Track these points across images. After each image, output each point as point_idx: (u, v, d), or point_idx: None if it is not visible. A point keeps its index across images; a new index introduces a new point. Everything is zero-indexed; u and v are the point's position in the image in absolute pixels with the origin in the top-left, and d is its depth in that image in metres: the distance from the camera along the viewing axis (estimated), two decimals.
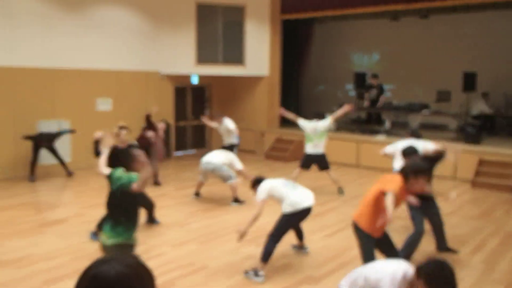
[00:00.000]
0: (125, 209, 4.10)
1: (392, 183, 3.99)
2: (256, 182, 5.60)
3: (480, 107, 12.44)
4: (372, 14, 12.11)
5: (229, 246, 6.11)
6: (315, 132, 8.71)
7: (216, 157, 8.10)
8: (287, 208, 5.26)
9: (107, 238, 4.05)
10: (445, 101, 11.53)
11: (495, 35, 13.04)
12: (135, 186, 3.90)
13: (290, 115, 9.13)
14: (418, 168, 3.96)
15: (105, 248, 4.07)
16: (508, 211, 8.01)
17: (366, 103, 13.06)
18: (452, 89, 11.84)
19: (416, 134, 6.75)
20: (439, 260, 2.84)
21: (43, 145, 9.64)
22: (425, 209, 5.58)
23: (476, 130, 10.56)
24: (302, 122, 8.91)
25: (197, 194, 8.49)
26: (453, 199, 5.90)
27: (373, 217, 4.15)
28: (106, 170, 4.28)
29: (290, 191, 5.37)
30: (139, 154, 4.16)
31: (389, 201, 3.83)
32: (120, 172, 4.13)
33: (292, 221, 5.36)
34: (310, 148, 8.77)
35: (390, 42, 15.08)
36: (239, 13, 12.80)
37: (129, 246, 4.07)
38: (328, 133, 8.91)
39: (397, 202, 3.99)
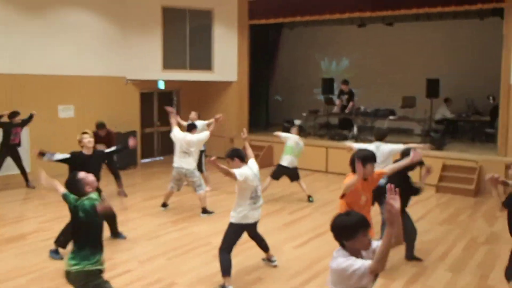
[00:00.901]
0: (88, 231, 3.90)
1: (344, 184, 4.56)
2: (236, 156, 5.22)
3: (442, 112, 12.74)
4: (340, 21, 12.23)
5: (199, 260, 6.03)
6: (297, 147, 8.79)
7: (187, 162, 7.91)
8: (235, 217, 5.25)
9: (71, 265, 3.78)
10: (410, 107, 11.76)
11: (456, 43, 13.40)
12: (99, 208, 3.76)
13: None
14: (365, 157, 4.54)
15: (69, 276, 3.80)
16: (471, 215, 8.23)
17: (336, 109, 13.17)
18: (417, 95, 12.09)
19: (379, 137, 7.11)
20: None
21: (8, 155, 9.30)
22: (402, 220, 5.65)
23: (440, 135, 10.81)
24: (284, 134, 9.02)
25: (164, 205, 8.31)
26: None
27: None
28: (61, 189, 4.15)
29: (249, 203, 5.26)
30: (91, 180, 4.00)
31: (348, 181, 4.49)
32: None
33: (239, 232, 5.33)
34: (286, 161, 8.77)
35: (357, 48, 15.29)
36: (207, 17, 12.70)
37: (96, 273, 3.82)
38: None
39: (359, 193, 4.51)
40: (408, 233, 5.86)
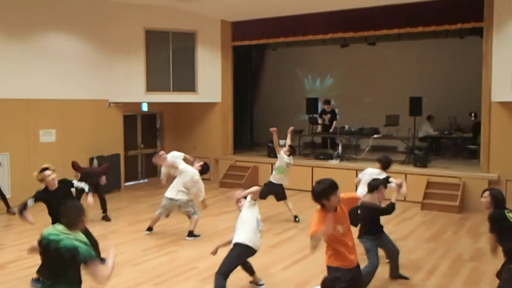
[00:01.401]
0: (66, 270, 3.55)
1: (312, 225, 4.10)
2: None
3: (425, 129, 12.92)
4: (323, 41, 12.40)
5: (186, 285, 5.95)
6: (288, 167, 8.92)
7: (180, 194, 7.81)
8: (248, 239, 5.26)
9: None
10: (393, 125, 11.89)
11: (437, 61, 13.68)
12: (92, 268, 3.49)
13: (276, 141, 9.07)
14: (324, 192, 4.06)
15: None
16: (456, 232, 8.28)
17: (319, 129, 13.27)
18: (400, 113, 12.24)
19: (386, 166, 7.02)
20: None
21: None
22: (379, 240, 5.71)
23: (424, 153, 10.92)
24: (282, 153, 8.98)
25: (149, 229, 8.19)
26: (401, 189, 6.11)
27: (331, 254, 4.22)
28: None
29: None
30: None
31: (312, 239, 4.01)
32: (62, 229, 3.64)
33: (245, 256, 5.34)
34: (275, 178, 8.87)
35: (341, 67, 15.50)
36: (190, 39, 12.77)
37: None
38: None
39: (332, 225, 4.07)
40: (390, 252, 5.91)
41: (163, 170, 8.92)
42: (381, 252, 5.85)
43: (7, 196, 9.59)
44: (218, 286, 5.06)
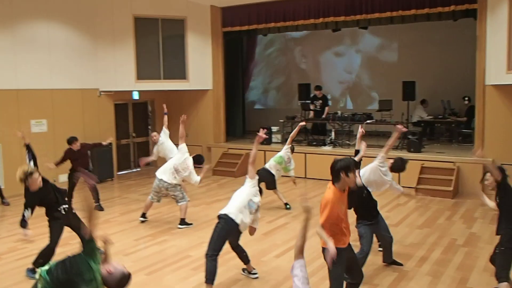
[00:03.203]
0: None
1: (323, 209, 4.15)
2: None
3: (419, 114, 12.85)
4: (314, 25, 12.24)
5: (179, 274, 5.89)
6: (288, 162, 8.98)
7: (169, 176, 7.76)
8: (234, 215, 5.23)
9: None
10: (387, 110, 11.80)
11: (430, 45, 13.58)
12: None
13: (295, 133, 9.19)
14: (347, 166, 4.14)
15: None
16: (449, 217, 8.25)
17: (311, 115, 13.18)
18: (393, 98, 12.16)
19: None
20: None
21: None
22: (374, 226, 5.65)
23: (417, 137, 10.85)
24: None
25: (143, 216, 8.15)
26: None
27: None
28: None
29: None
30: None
31: (322, 234, 4.05)
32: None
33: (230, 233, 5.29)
34: (270, 166, 8.82)
35: (333, 52, 15.37)
36: (180, 26, 12.57)
37: None
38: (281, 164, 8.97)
39: (340, 206, 4.19)
40: (383, 239, 5.85)
41: (155, 149, 9.68)
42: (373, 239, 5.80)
43: (1, 187, 9.53)
44: (209, 267, 5.03)
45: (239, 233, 5.39)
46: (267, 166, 8.89)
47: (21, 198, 9.46)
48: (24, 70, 10.28)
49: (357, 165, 5.60)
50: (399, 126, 6.17)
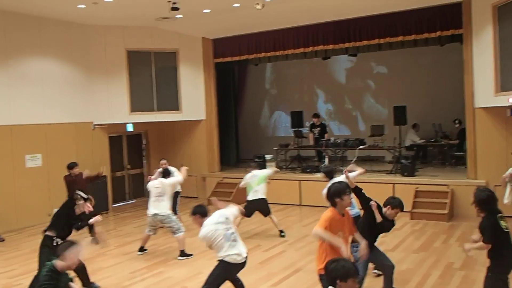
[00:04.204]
0: None
1: (320, 221, 4.35)
2: (198, 213, 5.31)
3: (411, 138, 12.97)
4: (304, 54, 12.45)
5: None
6: (253, 179, 8.77)
7: (161, 207, 7.79)
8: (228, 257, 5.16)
9: None
10: (378, 135, 11.91)
11: (419, 69, 13.81)
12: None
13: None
14: (339, 190, 4.41)
15: None
16: (445, 240, 8.25)
17: (311, 142, 13.24)
18: (385, 123, 12.29)
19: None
20: None
21: None
22: (374, 256, 5.60)
23: (411, 161, 10.92)
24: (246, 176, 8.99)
25: (142, 249, 8.10)
26: None
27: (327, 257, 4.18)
28: None
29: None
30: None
31: (322, 234, 4.24)
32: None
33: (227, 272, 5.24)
34: (251, 196, 8.77)
35: (323, 80, 15.58)
36: (172, 58, 12.75)
37: None
38: (266, 179, 8.93)
39: (338, 229, 4.34)
40: (384, 266, 5.78)
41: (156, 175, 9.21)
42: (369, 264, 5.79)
43: None
44: None
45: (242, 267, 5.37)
46: (253, 198, 8.74)
47: (14, 234, 9.40)
48: (18, 105, 10.33)
49: (357, 189, 5.61)
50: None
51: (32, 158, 10.67)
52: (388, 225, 5.50)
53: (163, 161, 9.56)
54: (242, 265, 5.23)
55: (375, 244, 5.73)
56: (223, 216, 5.28)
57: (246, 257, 5.24)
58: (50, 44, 10.96)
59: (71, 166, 9.08)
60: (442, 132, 13.04)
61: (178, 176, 8.47)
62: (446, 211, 9.63)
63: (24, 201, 10.00)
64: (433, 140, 12.89)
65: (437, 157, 13.06)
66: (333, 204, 4.40)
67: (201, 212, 5.27)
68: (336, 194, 4.38)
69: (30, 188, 10.49)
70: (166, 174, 8.32)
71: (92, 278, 6.56)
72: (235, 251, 5.13)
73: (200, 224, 5.21)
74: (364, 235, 5.48)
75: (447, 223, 9.42)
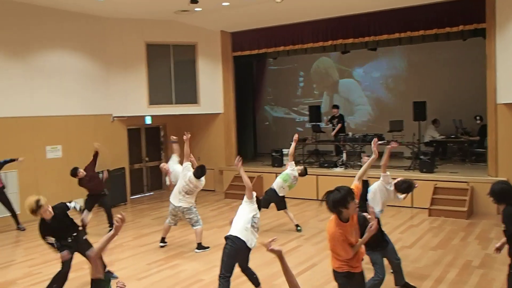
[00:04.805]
0: None
1: (332, 245, 4.08)
2: None
3: (431, 134, 12.79)
4: (323, 48, 12.36)
5: None
6: (294, 180, 8.84)
7: (187, 201, 7.79)
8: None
9: None
10: (397, 131, 11.78)
11: (440, 64, 13.59)
12: None
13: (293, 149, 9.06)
14: (342, 200, 3.93)
15: None
16: (464, 238, 8.13)
17: (333, 132, 13.15)
18: (404, 118, 12.14)
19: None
20: None
21: None
22: (384, 251, 5.59)
23: (430, 158, 10.78)
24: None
25: (163, 240, 8.13)
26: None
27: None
28: None
29: None
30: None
31: (350, 255, 4.04)
32: None
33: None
34: (277, 187, 8.77)
35: (342, 74, 15.46)
36: (191, 51, 12.79)
37: None
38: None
39: (352, 235, 4.07)
40: (391, 262, 5.74)
41: (166, 181, 9.60)
42: (386, 262, 5.74)
43: (17, 213, 9.64)
44: None
45: (247, 251, 5.41)
46: (274, 186, 8.83)
47: (35, 224, 9.59)
48: (39, 97, 10.50)
49: (366, 183, 5.56)
50: (392, 144, 6.15)
51: (52, 149, 10.84)
52: None
53: (162, 164, 9.76)
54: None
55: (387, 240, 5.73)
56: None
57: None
58: (70, 37, 11.09)
59: (74, 173, 8.76)
60: (463, 128, 12.82)
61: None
62: (465, 209, 9.49)
63: (44, 191, 10.13)
64: (453, 136, 12.69)
65: (457, 154, 12.86)
66: (338, 214, 4.00)
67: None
68: (340, 203, 3.93)
69: (51, 179, 10.66)
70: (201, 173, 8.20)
71: (110, 269, 6.66)
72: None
73: None
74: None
75: (466, 220, 9.29)
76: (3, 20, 9.90)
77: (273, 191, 8.78)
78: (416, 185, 6.07)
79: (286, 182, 8.75)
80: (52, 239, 5.67)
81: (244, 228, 5.34)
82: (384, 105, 14.73)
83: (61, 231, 5.77)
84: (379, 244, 5.56)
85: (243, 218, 5.42)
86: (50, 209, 5.73)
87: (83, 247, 5.95)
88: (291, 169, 8.80)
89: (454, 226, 8.89)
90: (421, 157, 10.89)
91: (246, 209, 5.51)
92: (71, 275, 5.87)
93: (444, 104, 13.30)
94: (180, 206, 7.76)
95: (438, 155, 12.51)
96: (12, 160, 9.43)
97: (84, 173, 8.83)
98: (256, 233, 5.45)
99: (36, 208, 5.54)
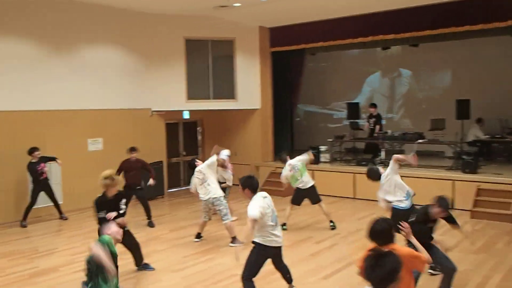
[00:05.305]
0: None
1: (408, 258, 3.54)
2: (248, 187, 5.21)
3: (474, 133, 12.37)
4: (363, 44, 12.14)
5: None
6: (295, 171, 8.65)
7: (211, 191, 7.89)
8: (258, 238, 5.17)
9: None
10: (439, 129, 11.44)
11: (486, 61, 13.10)
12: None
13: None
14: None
15: None
16: (509, 242, 7.82)
17: (366, 132, 12.95)
18: (446, 116, 11.79)
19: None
20: None
21: (41, 190, 9.47)
22: (433, 255, 5.41)
23: (473, 158, 10.41)
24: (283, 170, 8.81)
25: (199, 236, 8.21)
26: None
27: None
28: None
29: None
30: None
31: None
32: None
33: (263, 255, 5.22)
34: (300, 186, 8.69)
35: (382, 70, 15.16)
36: (229, 47, 12.82)
37: None
38: (306, 165, 8.77)
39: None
40: (446, 267, 5.52)
41: (193, 180, 8.68)
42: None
43: (59, 203, 9.96)
44: None
45: (279, 251, 5.33)
46: (301, 186, 8.64)
47: (77, 214, 9.86)
48: (81, 90, 10.76)
49: None
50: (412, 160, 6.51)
51: (93, 142, 11.11)
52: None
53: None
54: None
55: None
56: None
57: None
58: (111, 32, 11.31)
59: (133, 149, 9.43)
60: (509, 128, 12.33)
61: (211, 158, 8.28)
62: (510, 212, 9.12)
63: (85, 183, 10.41)
64: (498, 136, 12.22)
65: (502, 154, 12.37)
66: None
67: (252, 187, 5.24)
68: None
69: (91, 171, 10.89)
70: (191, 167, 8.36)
71: (146, 260, 6.78)
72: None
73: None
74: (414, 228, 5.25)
75: (510, 224, 8.92)
76: (47, 16, 10.19)
77: (300, 188, 8.68)
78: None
79: (303, 172, 8.64)
80: (103, 214, 5.96)
81: (262, 230, 5.18)
82: (425, 102, 14.35)
83: (113, 210, 6.02)
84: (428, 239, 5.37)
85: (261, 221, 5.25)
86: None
87: (126, 239, 6.10)
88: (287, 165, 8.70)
89: (498, 230, 8.56)
90: (464, 157, 10.54)
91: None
92: None
93: (489, 103, 12.80)
94: (209, 198, 7.84)
95: (482, 155, 12.06)
96: (54, 159, 9.74)
97: (135, 159, 9.29)
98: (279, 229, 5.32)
99: (111, 180, 5.98)
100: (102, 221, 5.80)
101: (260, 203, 5.06)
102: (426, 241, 5.14)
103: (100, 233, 5.88)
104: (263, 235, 5.13)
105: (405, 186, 6.63)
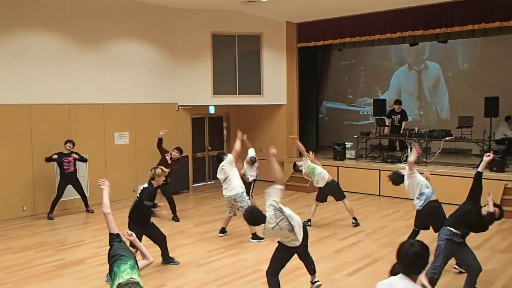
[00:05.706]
0: None
1: None
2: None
3: (503, 131, 12.14)
4: (390, 40, 12.01)
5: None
6: (308, 176, 8.77)
7: (233, 188, 7.95)
8: None
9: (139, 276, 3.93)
10: (467, 127, 11.27)
11: None
12: None
13: (301, 147, 8.91)
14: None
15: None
16: None
17: (386, 129, 12.87)
18: (474, 114, 11.60)
19: None
20: None
21: (68, 183, 9.70)
22: (461, 253, 5.40)
23: (501, 156, 10.24)
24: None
25: (223, 230, 8.30)
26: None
27: None
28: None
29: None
30: None
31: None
32: None
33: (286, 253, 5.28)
34: (317, 185, 8.72)
35: (410, 67, 14.97)
36: (256, 42, 12.86)
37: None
38: (314, 168, 8.65)
39: None
40: (470, 267, 5.48)
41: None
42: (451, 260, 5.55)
43: (86, 195, 10.16)
44: (271, 285, 5.12)
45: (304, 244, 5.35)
46: (322, 185, 8.64)
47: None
48: (109, 85, 10.94)
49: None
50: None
51: (120, 136, 11.30)
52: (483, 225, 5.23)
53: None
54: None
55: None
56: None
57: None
58: (139, 27, 11.46)
59: (220, 158, 8.76)
60: None
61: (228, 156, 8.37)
62: None
63: (112, 176, 10.65)
64: None
65: None
66: None
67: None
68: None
69: (118, 164, 11.13)
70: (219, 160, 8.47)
71: (171, 254, 6.91)
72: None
73: None
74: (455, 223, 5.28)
75: None
76: (78, 11, 10.39)
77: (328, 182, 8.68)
78: None
79: (313, 175, 8.62)
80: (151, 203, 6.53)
81: (277, 231, 5.17)
82: (453, 100, 14.13)
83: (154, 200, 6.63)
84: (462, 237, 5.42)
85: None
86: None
87: (152, 231, 6.77)
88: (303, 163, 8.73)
89: None
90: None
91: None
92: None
93: None
94: (230, 195, 7.93)
95: (510, 154, 11.84)
96: (84, 160, 9.97)
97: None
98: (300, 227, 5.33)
99: (161, 172, 6.53)
100: (149, 209, 6.47)
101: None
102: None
103: (149, 218, 6.61)
104: (283, 241, 5.21)
105: (420, 186, 6.46)
